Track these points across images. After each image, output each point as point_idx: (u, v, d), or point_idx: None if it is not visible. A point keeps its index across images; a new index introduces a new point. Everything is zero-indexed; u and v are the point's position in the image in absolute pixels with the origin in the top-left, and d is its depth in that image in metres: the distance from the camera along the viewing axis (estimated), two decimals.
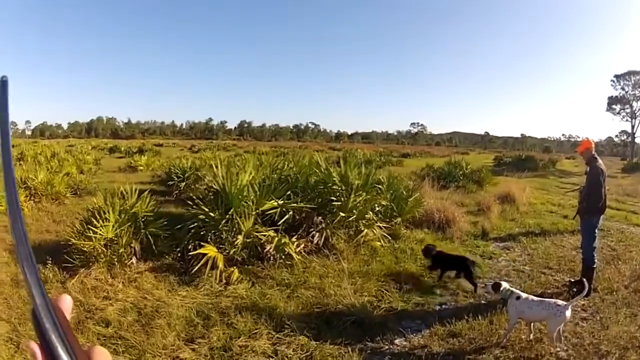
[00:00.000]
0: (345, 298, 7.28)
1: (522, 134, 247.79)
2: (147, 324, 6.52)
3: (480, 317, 6.74)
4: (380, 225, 10.64)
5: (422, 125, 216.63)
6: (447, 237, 11.74)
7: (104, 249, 8.45)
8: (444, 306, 7.48)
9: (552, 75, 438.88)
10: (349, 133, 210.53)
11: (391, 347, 6.04)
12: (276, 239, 8.94)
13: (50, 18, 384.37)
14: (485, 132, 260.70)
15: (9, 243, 10.58)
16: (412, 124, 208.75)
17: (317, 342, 5.95)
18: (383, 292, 7.85)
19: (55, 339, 0.78)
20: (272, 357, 5.68)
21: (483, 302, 7.60)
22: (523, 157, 50.65)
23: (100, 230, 8.51)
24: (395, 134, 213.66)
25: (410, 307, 7.34)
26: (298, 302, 7.26)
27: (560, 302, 5.84)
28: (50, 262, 8.62)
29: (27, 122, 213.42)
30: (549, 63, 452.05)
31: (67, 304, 0.90)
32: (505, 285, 6.36)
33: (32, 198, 16.22)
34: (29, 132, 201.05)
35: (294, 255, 8.84)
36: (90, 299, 7.37)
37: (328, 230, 9.88)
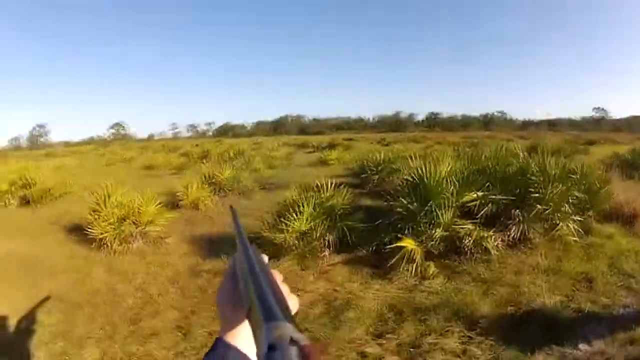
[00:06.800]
0: (538, 297, 7.04)
1: None
2: (335, 316, 6.64)
3: None
4: (574, 218, 10.05)
5: (603, 109, 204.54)
6: (635, 232, 10.75)
7: (296, 242, 8.67)
8: (627, 309, 6.92)
9: None
10: (536, 120, 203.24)
11: (574, 351, 5.70)
12: (475, 232, 8.74)
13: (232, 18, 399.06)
14: None
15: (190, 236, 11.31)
16: (594, 109, 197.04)
17: (506, 343, 5.78)
18: (574, 291, 7.46)
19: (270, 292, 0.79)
20: (460, 357, 5.58)
21: None
22: None
23: (294, 223, 8.74)
24: (579, 119, 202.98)
25: (597, 308, 6.88)
26: (492, 299, 7.08)
27: None
28: None
29: (208, 123, 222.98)
30: None
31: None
32: None
33: (217, 193, 17.17)
34: (210, 133, 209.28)
35: (492, 250, 8.60)
36: None
37: (525, 224, 9.51)
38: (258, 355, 0.62)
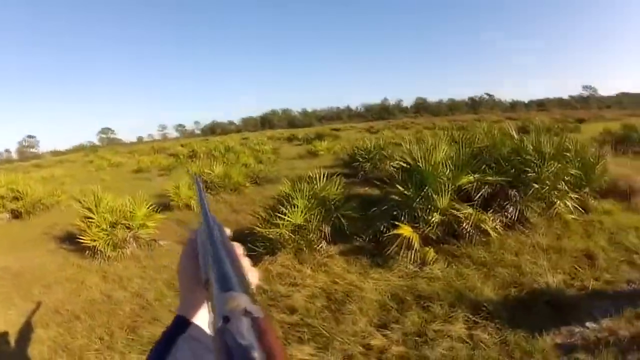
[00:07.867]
0: (540, 276, 6.97)
1: None
2: (337, 309, 6.53)
3: None
4: (572, 196, 10.03)
5: (593, 88, 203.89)
6: (632, 207, 10.62)
7: (291, 235, 8.55)
8: (632, 285, 6.85)
9: None
10: (525, 102, 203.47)
11: (582, 329, 5.63)
12: (473, 215, 8.64)
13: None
14: None
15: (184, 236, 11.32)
16: (584, 87, 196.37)
17: (512, 326, 5.69)
18: (576, 268, 7.36)
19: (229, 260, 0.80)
20: (467, 342, 5.46)
21: None
22: None
23: (289, 216, 8.67)
24: (568, 99, 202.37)
25: (600, 285, 6.81)
26: (495, 281, 6.99)
27: None
28: None
29: (196, 122, 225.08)
30: None
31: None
32: None
33: (209, 191, 17.02)
34: (198, 132, 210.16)
35: (491, 231, 8.51)
36: (275, 286, 7.57)
37: (522, 204, 9.47)
38: (212, 325, 0.62)
